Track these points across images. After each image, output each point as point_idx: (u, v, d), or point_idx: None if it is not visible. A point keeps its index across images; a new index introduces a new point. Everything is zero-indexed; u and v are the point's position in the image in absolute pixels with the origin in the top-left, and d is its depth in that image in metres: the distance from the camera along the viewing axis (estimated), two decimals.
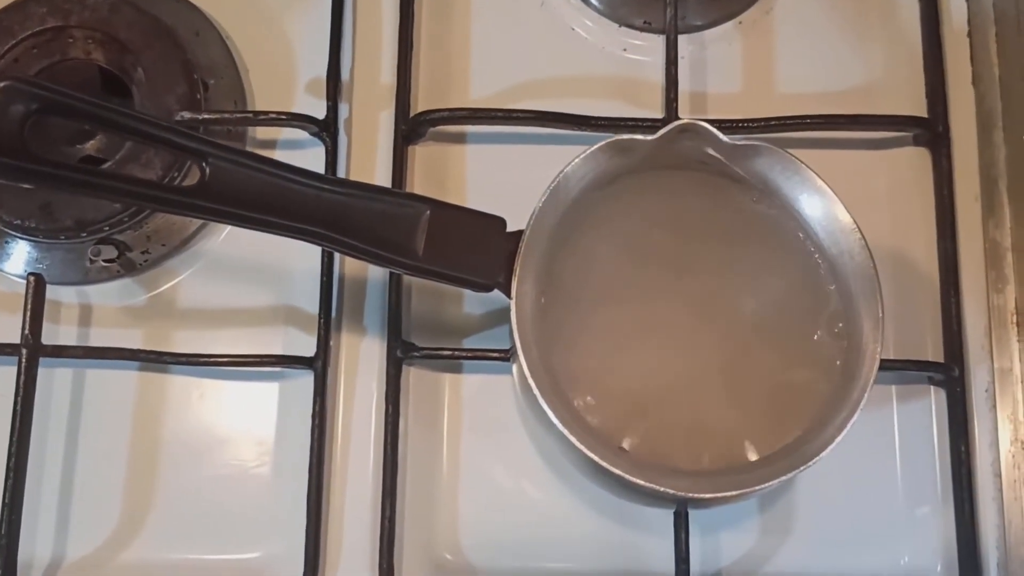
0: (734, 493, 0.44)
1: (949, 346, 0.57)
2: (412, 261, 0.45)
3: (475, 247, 0.46)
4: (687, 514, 0.53)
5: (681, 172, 0.50)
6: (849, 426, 0.44)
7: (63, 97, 0.38)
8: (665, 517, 0.54)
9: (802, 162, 0.47)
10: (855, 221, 0.47)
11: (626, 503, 0.55)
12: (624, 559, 0.55)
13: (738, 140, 0.47)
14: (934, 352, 0.57)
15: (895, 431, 0.56)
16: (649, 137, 0.46)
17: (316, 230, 0.44)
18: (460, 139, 0.60)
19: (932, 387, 0.57)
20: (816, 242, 0.48)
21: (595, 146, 0.46)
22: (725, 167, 0.49)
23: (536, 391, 0.44)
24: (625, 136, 0.46)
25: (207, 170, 0.41)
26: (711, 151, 0.47)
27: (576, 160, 0.46)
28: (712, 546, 0.55)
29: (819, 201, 0.47)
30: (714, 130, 0.46)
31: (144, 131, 0.40)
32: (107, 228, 0.57)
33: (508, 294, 0.46)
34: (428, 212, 0.46)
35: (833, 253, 0.47)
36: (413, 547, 0.55)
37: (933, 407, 0.57)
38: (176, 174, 0.57)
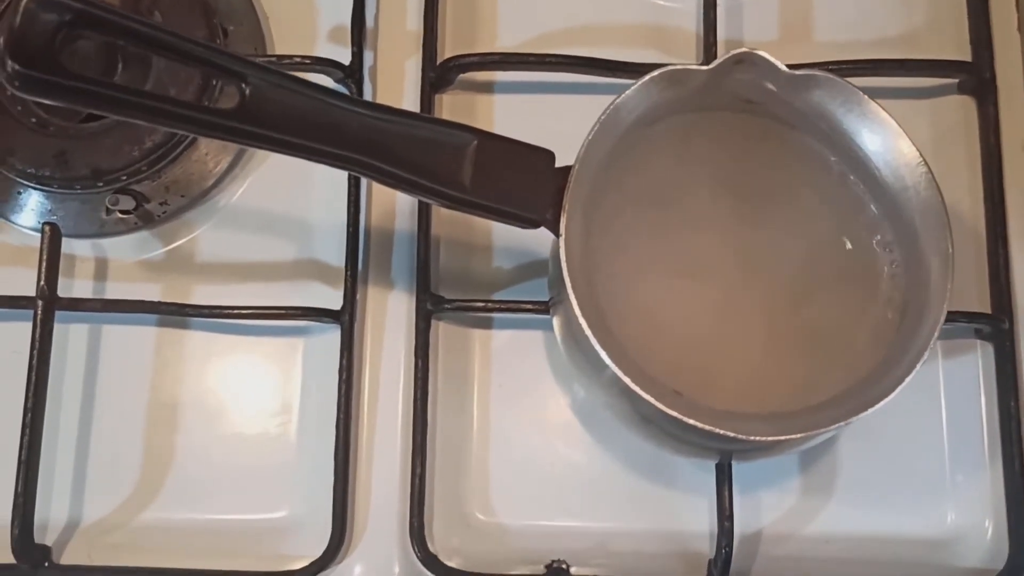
0: (799, 436, 0.42)
1: (997, 298, 0.55)
2: (459, 193, 0.43)
3: (523, 181, 0.44)
4: (730, 467, 0.51)
5: (728, 113, 0.48)
6: (920, 364, 0.42)
7: (96, 9, 0.36)
8: (702, 474, 0.52)
9: (864, 93, 0.45)
10: (921, 154, 0.45)
11: (661, 460, 0.53)
12: (660, 518, 0.54)
13: (795, 71, 0.45)
14: (980, 306, 0.55)
15: (940, 387, 0.55)
16: (704, 67, 0.44)
17: (359, 157, 0.42)
18: (488, 88, 0.59)
19: (979, 342, 0.56)
20: (878, 178, 0.46)
21: (648, 76, 0.44)
22: (773, 107, 0.47)
23: (588, 331, 0.42)
24: (679, 66, 0.44)
25: (246, 91, 0.39)
26: (768, 84, 0.45)
27: (629, 91, 0.44)
28: (752, 505, 0.54)
29: (881, 134, 0.45)
30: (772, 59, 0.44)
31: (180, 47, 0.38)
32: (124, 177, 0.56)
33: (556, 231, 0.44)
34: (475, 142, 0.43)
35: (896, 189, 0.45)
36: (443, 506, 0.54)
37: (980, 362, 0.55)
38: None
